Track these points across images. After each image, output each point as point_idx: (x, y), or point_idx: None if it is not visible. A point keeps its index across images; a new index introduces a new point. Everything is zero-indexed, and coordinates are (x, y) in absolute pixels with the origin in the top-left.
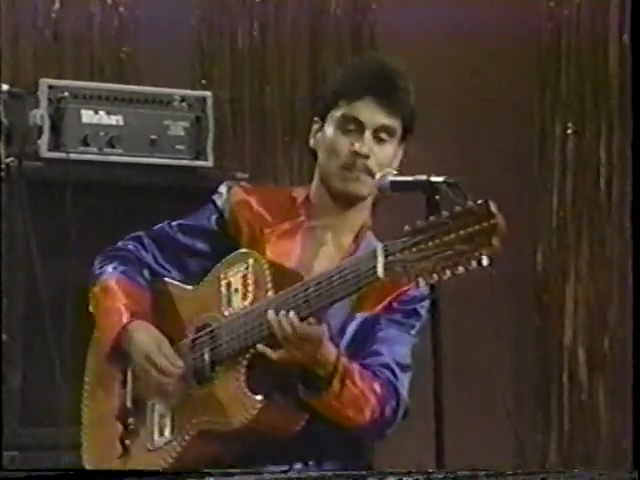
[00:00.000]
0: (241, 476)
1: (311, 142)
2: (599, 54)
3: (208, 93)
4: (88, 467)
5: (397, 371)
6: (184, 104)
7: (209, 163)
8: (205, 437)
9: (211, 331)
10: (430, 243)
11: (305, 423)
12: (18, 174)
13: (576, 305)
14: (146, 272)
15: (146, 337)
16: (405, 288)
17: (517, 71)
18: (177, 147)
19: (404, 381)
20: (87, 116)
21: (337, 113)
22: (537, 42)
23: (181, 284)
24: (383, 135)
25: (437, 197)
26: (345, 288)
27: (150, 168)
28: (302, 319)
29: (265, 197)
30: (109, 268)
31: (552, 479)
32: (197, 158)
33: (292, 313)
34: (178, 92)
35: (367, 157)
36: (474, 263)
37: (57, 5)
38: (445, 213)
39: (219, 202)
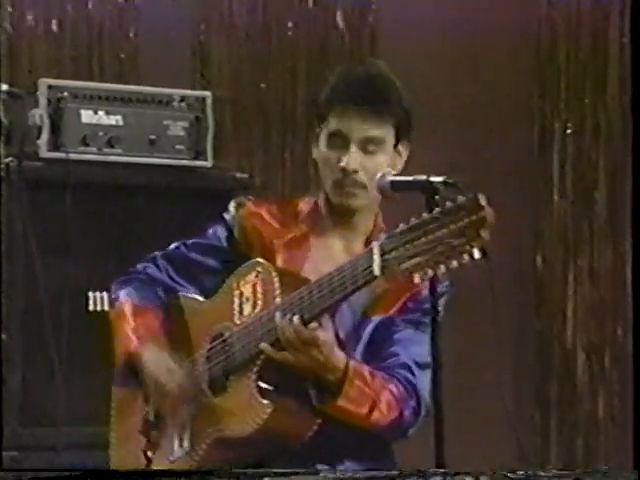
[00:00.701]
0: (271, 478)
1: (314, 153)
2: (599, 54)
3: (207, 93)
4: None
5: (416, 370)
6: (184, 104)
7: (208, 163)
8: (221, 445)
9: (224, 340)
10: (423, 239)
11: (317, 427)
12: (18, 174)
13: (576, 305)
14: (160, 290)
15: (154, 362)
16: (419, 287)
17: (517, 71)
18: (177, 147)
19: (424, 380)
20: (86, 116)
21: (326, 128)
22: (537, 42)
23: (196, 296)
24: (370, 147)
25: (437, 197)
26: (344, 288)
27: (150, 168)
28: (307, 322)
29: (274, 209)
30: (122, 293)
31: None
32: (197, 158)
33: (296, 317)
34: (178, 92)
35: (355, 172)
36: (466, 257)
37: (57, 5)
38: (437, 209)
39: (228, 219)
